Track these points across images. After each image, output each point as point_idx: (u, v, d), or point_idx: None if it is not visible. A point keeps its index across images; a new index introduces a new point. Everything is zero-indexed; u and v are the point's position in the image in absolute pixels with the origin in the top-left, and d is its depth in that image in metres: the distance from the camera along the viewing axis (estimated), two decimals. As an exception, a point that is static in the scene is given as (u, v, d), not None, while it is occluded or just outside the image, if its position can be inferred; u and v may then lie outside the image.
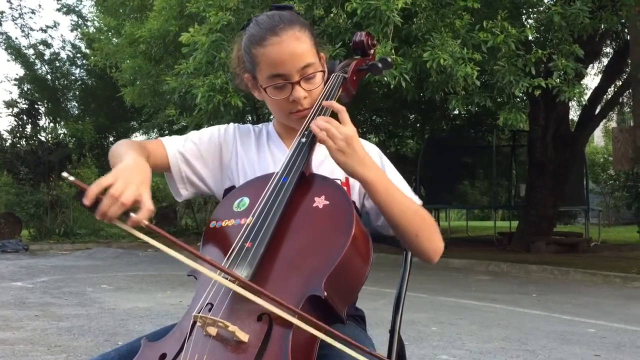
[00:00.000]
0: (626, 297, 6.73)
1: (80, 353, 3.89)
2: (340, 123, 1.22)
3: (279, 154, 1.41)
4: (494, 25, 6.45)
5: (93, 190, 1.00)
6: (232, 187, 1.38)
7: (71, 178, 1.01)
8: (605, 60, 14.29)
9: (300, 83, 1.31)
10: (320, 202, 1.18)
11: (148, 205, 1.02)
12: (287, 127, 1.43)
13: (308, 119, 1.30)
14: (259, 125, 1.51)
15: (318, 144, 1.31)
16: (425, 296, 6.42)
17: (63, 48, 16.81)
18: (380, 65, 1.45)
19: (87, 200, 0.99)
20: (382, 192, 1.23)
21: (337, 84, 1.39)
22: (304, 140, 1.27)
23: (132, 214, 1.01)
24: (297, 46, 1.29)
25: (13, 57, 15.91)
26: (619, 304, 6.26)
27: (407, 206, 1.26)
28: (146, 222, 1.02)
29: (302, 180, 1.23)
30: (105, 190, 1.01)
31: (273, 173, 1.26)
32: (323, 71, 1.35)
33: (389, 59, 1.50)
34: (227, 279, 1.04)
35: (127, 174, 1.05)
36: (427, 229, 1.28)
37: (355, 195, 1.38)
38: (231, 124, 1.49)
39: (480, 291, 7.04)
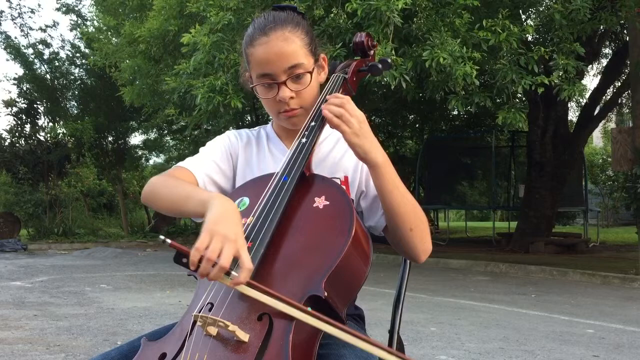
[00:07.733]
0: (625, 297, 6.74)
1: (78, 352, 3.89)
2: None
3: (279, 154, 1.42)
4: (495, 23, 6.46)
5: (195, 256, 1.01)
6: None
7: (169, 241, 1.02)
8: (604, 61, 14.31)
9: (286, 83, 1.31)
10: (320, 202, 1.18)
11: (247, 265, 1.02)
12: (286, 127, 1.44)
13: (307, 121, 1.31)
14: (256, 128, 1.53)
15: (318, 143, 1.31)
16: (424, 296, 6.43)
17: (62, 47, 16.78)
18: (380, 66, 1.47)
19: (192, 266, 1.02)
20: (389, 177, 1.24)
21: (338, 85, 1.40)
22: (304, 140, 1.27)
23: (233, 272, 1.02)
24: (284, 46, 1.30)
25: (12, 56, 15.87)
26: (618, 304, 6.26)
27: (407, 197, 1.27)
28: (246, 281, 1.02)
29: (302, 180, 1.23)
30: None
31: (273, 173, 1.26)
32: (310, 72, 1.34)
33: (389, 60, 1.51)
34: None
35: (221, 229, 1.04)
36: (421, 226, 1.28)
37: (352, 195, 1.38)
38: (229, 131, 1.51)
39: (479, 292, 7.04)
